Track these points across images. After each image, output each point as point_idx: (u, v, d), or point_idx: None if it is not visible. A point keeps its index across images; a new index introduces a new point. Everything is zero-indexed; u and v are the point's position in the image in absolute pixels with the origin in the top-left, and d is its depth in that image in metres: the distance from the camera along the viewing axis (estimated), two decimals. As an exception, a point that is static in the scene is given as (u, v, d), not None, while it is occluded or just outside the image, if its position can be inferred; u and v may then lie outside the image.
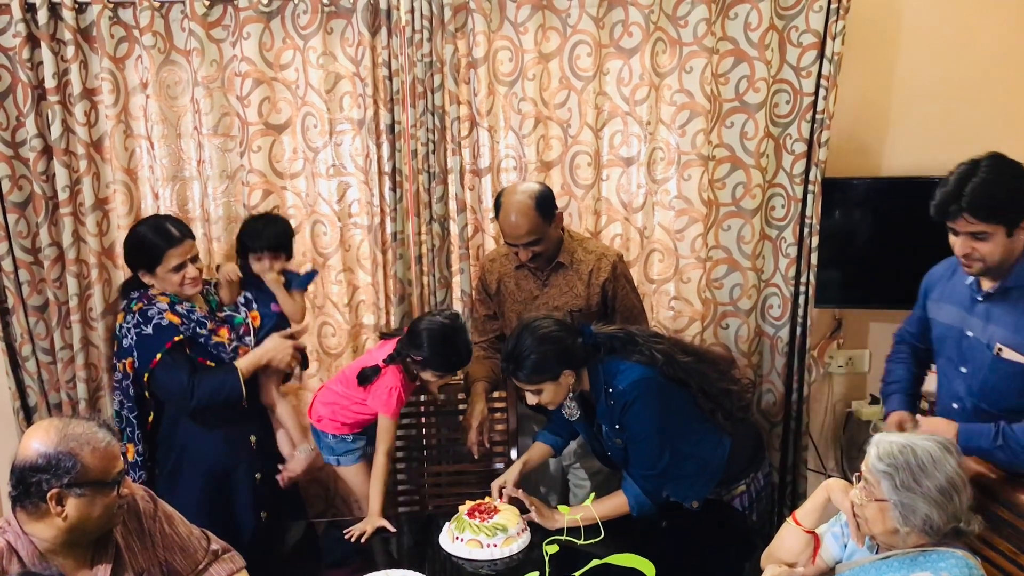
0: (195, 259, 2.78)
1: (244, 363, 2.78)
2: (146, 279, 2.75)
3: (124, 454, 2.82)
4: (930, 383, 2.80)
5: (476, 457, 2.98)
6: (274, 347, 2.84)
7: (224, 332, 2.84)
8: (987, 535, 2.40)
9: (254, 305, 2.97)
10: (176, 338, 2.70)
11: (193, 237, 2.82)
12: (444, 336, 2.70)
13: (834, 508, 2.11)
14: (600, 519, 2.47)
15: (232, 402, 2.75)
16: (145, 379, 2.72)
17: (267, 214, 3.09)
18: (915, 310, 2.74)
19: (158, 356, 2.68)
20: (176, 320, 2.73)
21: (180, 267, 2.72)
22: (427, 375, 2.75)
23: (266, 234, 2.96)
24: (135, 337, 2.70)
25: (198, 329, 2.77)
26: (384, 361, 2.76)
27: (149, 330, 2.69)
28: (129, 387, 2.79)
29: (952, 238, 2.37)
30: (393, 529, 2.59)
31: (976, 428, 2.41)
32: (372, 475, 2.69)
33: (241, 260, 3.02)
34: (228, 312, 2.92)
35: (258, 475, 2.90)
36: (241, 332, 2.90)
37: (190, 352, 2.75)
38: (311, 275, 3.13)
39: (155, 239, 2.71)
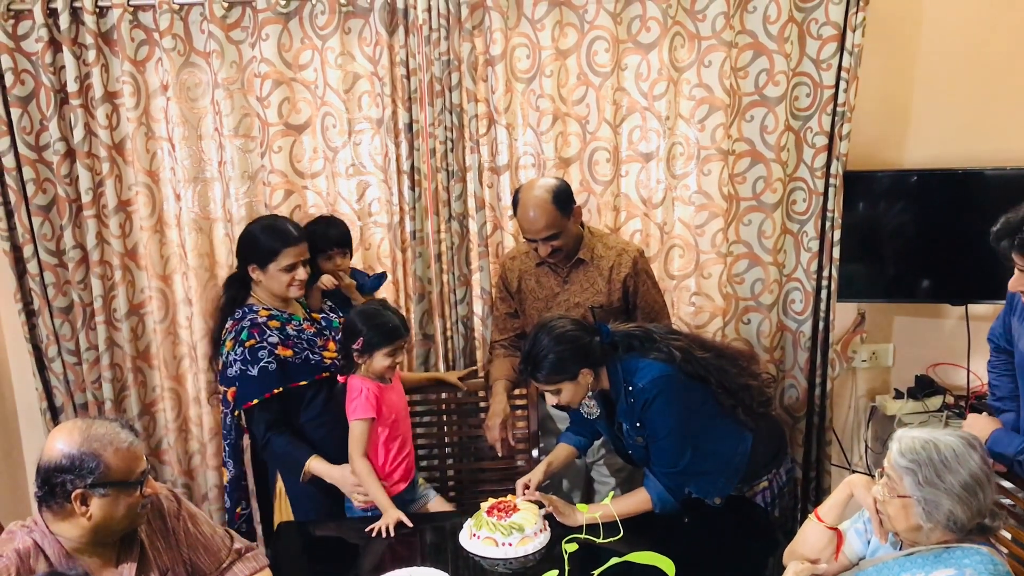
0: (305, 263, 2.77)
1: (316, 465, 2.72)
2: (255, 274, 2.74)
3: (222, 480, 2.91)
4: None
5: (500, 455, 2.98)
6: (341, 481, 2.72)
7: (332, 346, 2.83)
8: (1013, 530, 2.38)
9: (339, 312, 3.00)
10: (276, 390, 2.70)
11: (308, 241, 2.80)
12: (372, 311, 2.70)
13: (857, 504, 2.10)
14: (620, 517, 2.47)
15: (293, 473, 2.76)
16: (237, 413, 2.77)
17: (324, 216, 3.11)
18: (1003, 313, 2.56)
19: (255, 401, 2.69)
20: (288, 354, 2.71)
21: (292, 267, 2.71)
22: (378, 360, 2.68)
23: (332, 233, 2.99)
24: (239, 372, 2.68)
25: (310, 355, 2.77)
26: (341, 374, 2.77)
27: (255, 372, 2.67)
28: (228, 414, 2.80)
29: (1016, 271, 2.20)
30: (410, 523, 2.59)
31: (1008, 436, 2.37)
32: (361, 478, 2.67)
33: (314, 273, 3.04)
34: (324, 314, 2.93)
35: None
36: (338, 337, 2.89)
37: (298, 373, 2.76)
38: (380, 278, 3.16)
39: (274, 235, 2.72)
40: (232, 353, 2.70)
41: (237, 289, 2.80)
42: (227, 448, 2.87)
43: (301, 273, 2.74)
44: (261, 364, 2.68)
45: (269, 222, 2.80)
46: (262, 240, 2.72)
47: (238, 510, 2.91)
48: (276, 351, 2.70)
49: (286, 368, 2.72)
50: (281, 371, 2.71)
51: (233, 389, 2.72)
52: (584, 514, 2.46)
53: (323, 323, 2.89)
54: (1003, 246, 2.14)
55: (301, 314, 2.85)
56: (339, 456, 2.73)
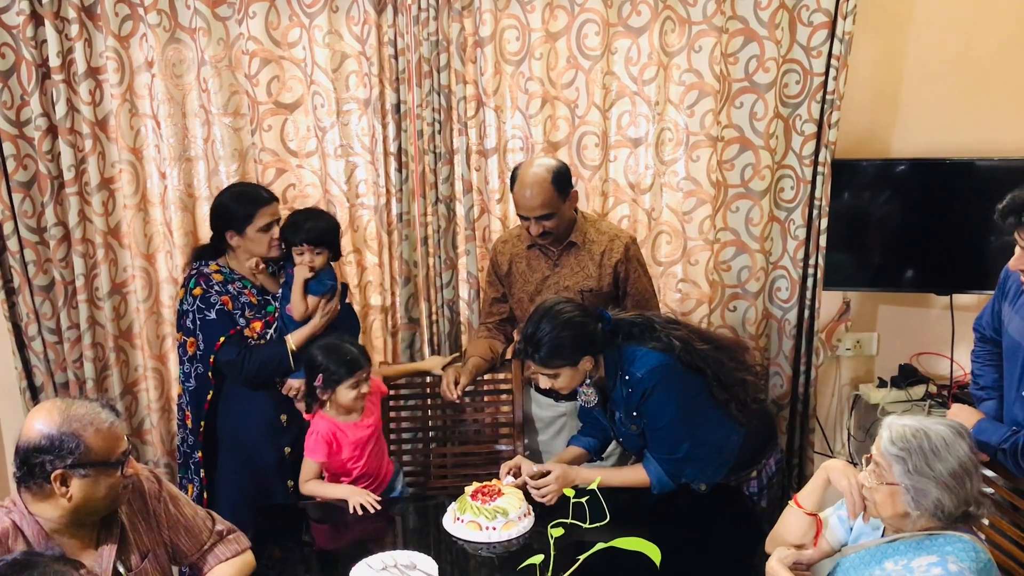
0: (279, 222, 2.89)
1: (295, 339, 2.86)
2: (234, 241, 2.86)
3: (183, 420, 2.98)
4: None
5: (453, 399, 2.97)
6: (324, 321, 2.89)
7: (257, 326, 2.88)
8: (994, 519, 2.40)
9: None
10: (237, 327, 2.84)
11: (278, 200, 2.94)
12: (331, 345, 2.71)
13: (836, 489, 2.10)
14: (614, 485, 2.46)
15: (283, 372, 2.86)
16: (211, 360, 2.84)
17: (311, 208, 3.05)
18: (993, 301, 2.56)
19: (222, 339, 2.81)
20: (228, 304, 2.84)
21: (268, 227, 2.84)
22: (342, 393, 2.67)
23: (306, 227, 2.86)
24: (199, 322, 2.81)
25: (240, 319, 2.86)
26: (306, 412, 2.78)
27: (213, 315, 2.81)
28: (186, 362, 2.90)
29: (1018, 249, 2.20)
30: (378, 505, 2.60)
31: (993, 426, 2.38)
32: (314, 493, 2.71)
33: (287, 253, 2.99)
34: (266, 298, 2.95)
35: (288, 449, 2.95)
36: (268, 321, 2.92)
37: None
38: (327, 286, 2.92)
39: (247, 199, 2.84)
40: (184, 303, 2.85)
41: (203, 257, 2.92)
42: (186, 396, 2.94)
43: (276, 231, 2.87)
44: (216, 307, 2.82)
45: (240, 189, 2.93)
46: (235, 206, 2.84)
47: (199, 454, 2.97)
48: (222, 299, 2.84)
49: (234, 314, 2.86)
50: (233, 313, 2.85)
51: (194, 340, 2.84)
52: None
53: (270, 300, 2.93)
54: (1009, 222, 2.15)
55: (265, 283, 2.96)
56: (265, 425, 2.92)
